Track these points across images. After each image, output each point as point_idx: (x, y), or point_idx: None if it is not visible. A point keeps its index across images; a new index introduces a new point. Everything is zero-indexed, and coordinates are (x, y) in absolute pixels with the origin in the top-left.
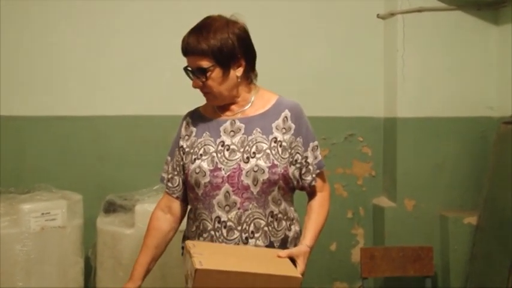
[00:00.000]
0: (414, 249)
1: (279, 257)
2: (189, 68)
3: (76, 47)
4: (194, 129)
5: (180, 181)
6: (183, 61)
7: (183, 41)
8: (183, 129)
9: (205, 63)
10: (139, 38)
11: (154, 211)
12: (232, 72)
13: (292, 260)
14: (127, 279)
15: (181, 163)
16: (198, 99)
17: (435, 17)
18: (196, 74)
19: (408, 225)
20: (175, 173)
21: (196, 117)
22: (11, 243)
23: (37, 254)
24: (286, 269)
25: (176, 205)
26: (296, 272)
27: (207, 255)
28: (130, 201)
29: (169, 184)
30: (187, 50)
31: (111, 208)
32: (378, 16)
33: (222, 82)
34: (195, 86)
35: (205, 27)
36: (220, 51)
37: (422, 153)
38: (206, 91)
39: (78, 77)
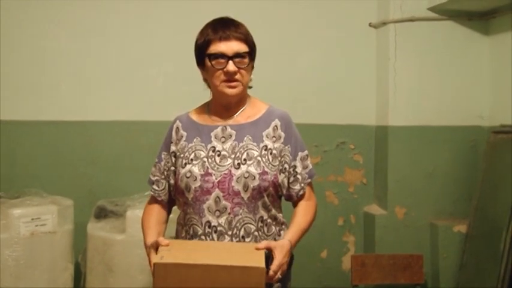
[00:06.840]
0: (404, 257)
1: (256, 249)
2: (227, 54)
3: (68, 51)
4: (184, 133)
5: (166, 185)
6: (176, 67)
7: (215, 28)
8: (173, 134)
9: (244, 48)
10: (132, 44)
11: (143, 213)
12: (252, 65)
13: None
14: (117, 286)
15: (172, 168)
16: (190, 105)
17: (427, 26)
18: (236, 58)
19: (399, 233)
20: (163, 176)
21: (186, 121)
22: (0, 248)
23: (27, 259)
24: (251, 260)
25: (161, 207)
26: (261, 263)
27: (174, 251)
28: (121, 206)
29: (155, 187)
30: (227, 34)
31: (102, 213)
32: (370, 25)
33: (248, 73)
34: (230, 72)
35: (228, 20)
36: (251, 40)
37: (413, 161)
38: (238, 79)
39: (70, 81)
